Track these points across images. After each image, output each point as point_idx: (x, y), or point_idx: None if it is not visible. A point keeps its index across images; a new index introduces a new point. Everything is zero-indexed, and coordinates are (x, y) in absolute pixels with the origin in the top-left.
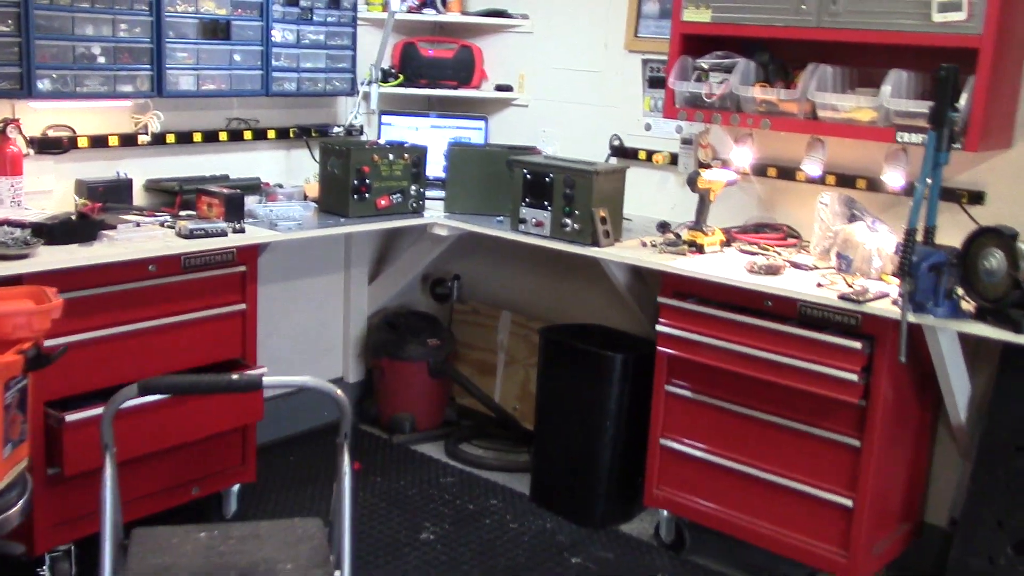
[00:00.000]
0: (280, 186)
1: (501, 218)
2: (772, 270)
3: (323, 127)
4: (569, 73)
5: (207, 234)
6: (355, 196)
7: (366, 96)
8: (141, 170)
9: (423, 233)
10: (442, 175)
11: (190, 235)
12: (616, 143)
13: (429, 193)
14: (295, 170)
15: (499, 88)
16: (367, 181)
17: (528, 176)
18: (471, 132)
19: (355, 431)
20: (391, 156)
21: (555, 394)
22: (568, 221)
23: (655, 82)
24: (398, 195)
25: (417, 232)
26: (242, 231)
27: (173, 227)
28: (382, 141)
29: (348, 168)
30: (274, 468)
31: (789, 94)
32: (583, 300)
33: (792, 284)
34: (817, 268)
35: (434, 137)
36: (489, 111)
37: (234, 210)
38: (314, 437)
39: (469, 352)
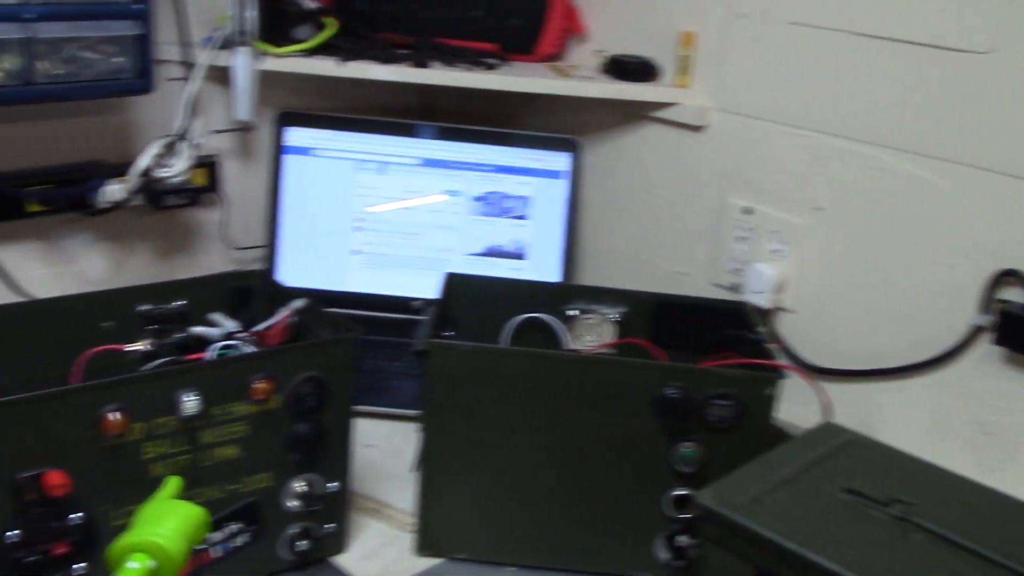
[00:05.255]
0: None
1: None
2: None
3: (73, 183)
4: (854, 40)
5: None
6: None
7: (224, 76)
8: None
9: None
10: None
11: None
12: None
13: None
14: None
15: (615, 67)
16: None
17: None
18: (534, 193)
19: None
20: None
21: None
22: None
23: None
24: None
25: None
26: None
27: None
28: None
29: None
30: None
31: None
32: None
33: None
34: None
35: (431, 206)
36: (588, 130)
37: None
38: None
39: None
